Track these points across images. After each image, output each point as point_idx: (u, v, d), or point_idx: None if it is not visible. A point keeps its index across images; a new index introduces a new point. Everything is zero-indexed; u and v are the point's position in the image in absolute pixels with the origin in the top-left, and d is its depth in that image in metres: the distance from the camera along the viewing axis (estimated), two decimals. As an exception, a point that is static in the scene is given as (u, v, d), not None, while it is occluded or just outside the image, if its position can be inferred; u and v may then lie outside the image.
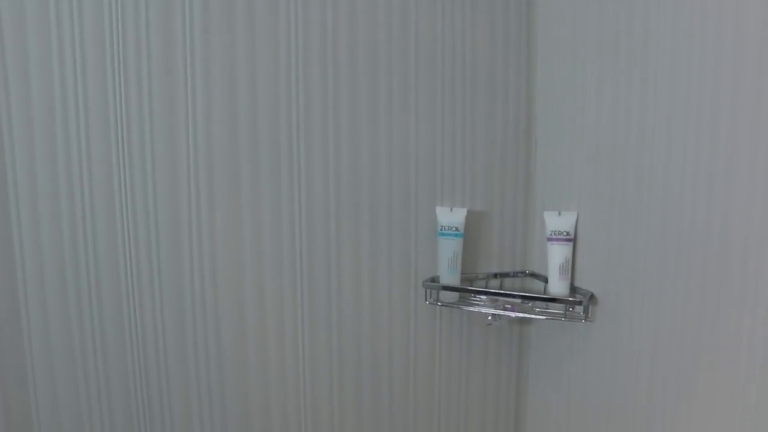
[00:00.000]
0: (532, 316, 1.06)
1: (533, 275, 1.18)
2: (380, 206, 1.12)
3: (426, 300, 1.14)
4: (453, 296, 1.12)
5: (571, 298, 1.01)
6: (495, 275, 1.17)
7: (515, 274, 1.19)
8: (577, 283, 1.05)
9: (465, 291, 1.09)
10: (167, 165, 1.05)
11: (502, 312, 1.07)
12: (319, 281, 1.11)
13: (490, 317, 1.09)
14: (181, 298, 1.08)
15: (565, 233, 1.04)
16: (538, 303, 1.07)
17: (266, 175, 1.07)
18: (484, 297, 1.09)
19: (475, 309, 1.10)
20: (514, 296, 1.04)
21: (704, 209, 0.77)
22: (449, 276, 1.12)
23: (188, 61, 1.04)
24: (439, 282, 1.13)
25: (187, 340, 1.09)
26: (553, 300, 1.02)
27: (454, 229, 1.11)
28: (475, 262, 1.17)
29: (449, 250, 1.11)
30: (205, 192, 1.06)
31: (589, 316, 1.01)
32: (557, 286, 1.05)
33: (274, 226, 1.09)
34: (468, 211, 1.13)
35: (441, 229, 1.12)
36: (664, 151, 0.84)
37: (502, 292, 1.05)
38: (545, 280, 1.13)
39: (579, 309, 1.01)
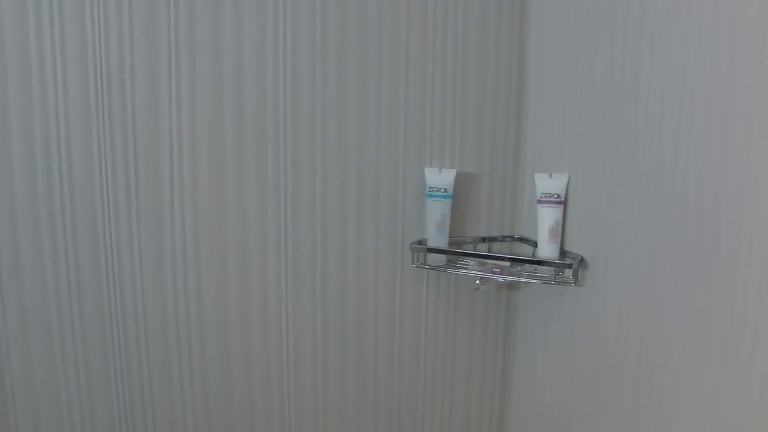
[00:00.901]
0: (521, 279, 1.04)
1: (522, 240, 1.15)
2: (368, 167, 1.08)
3: (413, 263, 1.11)
4: (440, 259, 1.10)
5: (560, 261, 0.99)
6: (483, 239, 1.15)
7: (504, 239, 1.16)
8: (566, 247, 1.03)
9: (453, 254, 1.07)
10: (149, 131, 1.01)
11: (490, 275, 1.05)
12: (305, 242, 1.08)
13: (477, 281, 1.07)
14: (162, 264, 1.05)
15: (555, 195, 1.02)
16: (526, 266, 1.05)
17: (251, 136, 1.03)
18: (471, 260, 1.06)
19: (463, 272, 1.08)
20: (502, 259, 1.02)
21: (697, 173, 0.75)
22: (437, 238, 1.09)
23: (172, 22, 0.99)
24: (426, 245, 1.10)
25: (168, 306, 1.06)
26: (542, 263, 1.00)
27: (442, 190, 1.08)
28: (464, 225, 1.15)
29: (437, 211, 1.08)
30: (188, 153, 1.02)
31: (579, 280, 0.99)
32: (547, 250, 1.03)
33: (259, 188, 1.05)
34: (457, 173, 1.10)
35: (429, 191, 1.09)
36: (658, 114, 0.81)
37: (491, 254, 1.03)
38: (534, 245, 1.10)
39: (568, 273, 0.99)
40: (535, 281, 1.03)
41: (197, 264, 1.06)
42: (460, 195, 1.13)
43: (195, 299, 1.07)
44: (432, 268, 1.10)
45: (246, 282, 1.08)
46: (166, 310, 1.06)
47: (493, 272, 1.05)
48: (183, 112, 1.01)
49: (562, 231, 1.03)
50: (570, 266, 0.96)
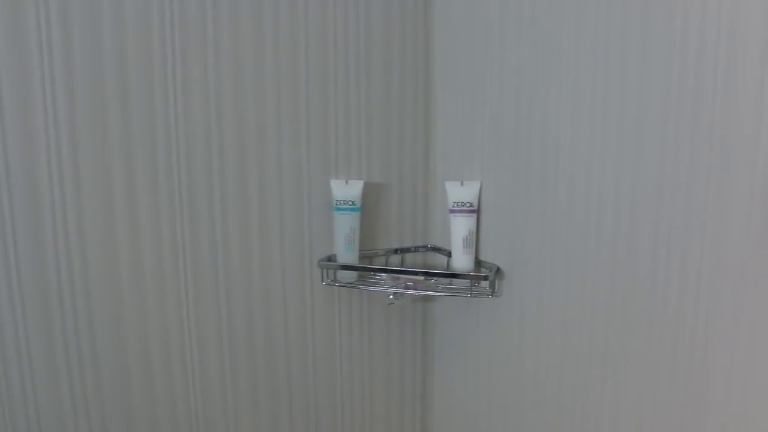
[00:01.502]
0: (436, 293, 1.00)
1: (436, 249, 1.11)
2: (270, 181, 1.00)
3: (322, 281, 1.04)
4: (351, 275, 1.04)
5: (476, 273, 0.96)
6: (395, 251, 1.10)
7: (416, 249, 1.12)
8: (482, 257, 1.00)
9: (364, 269, 1.01)
10: (21, 147, 0.87)
11: (403, 291, 0.99)
12: (204, 264, 0.98)
13: (391, 296, 1.02)
14: (47, 300, 0.91)
15: (468, 204, 0.98)
16: (441, 279, 1.00)
17: (139, 150, 0.92)
18: (384, 275, 1.01)
19: (376, 288, 1.02)
20: (416, 273, 0.97)
21: (613, 179, 0.73)
22: (346, 254, 1.03)
23: None
24: (335, 261, 1.04)
25: (56, 345, 0.93)
26: (457, 276, 0.96)
27: (350, 203, 1.02)
28: (374, 238, 1.09)
29: (345, 225, 1.02)
30: (69, 173, 0.89)
31: (496, 290, 0.96)
32: (461, 261, 0.99)
33: (150, 208, 0.94)
34: (365, 184, 1.04)
35: (336, 204, 1.02)
36: (570, 121, 0.79)
37: (403, 269, 0.98)
38: (448, 254, 1.06)
39: (485, 284, 0.95)
40: (450, 294, 0.99)
41: (87, 296, 0.93)
42: (369, 207, 1.07)
43: (87, 333, 0.94)
44: (343, 285, 1.03)
45: (143, 314, 0.96)
46: (54, 349, 0.92)
47: (407, 286, 1.00)
48: (61, 127, 0.88)
49: (476, 241, 1.00)
50: (486, 278, 0.93)
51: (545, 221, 0.85)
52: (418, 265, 1.13)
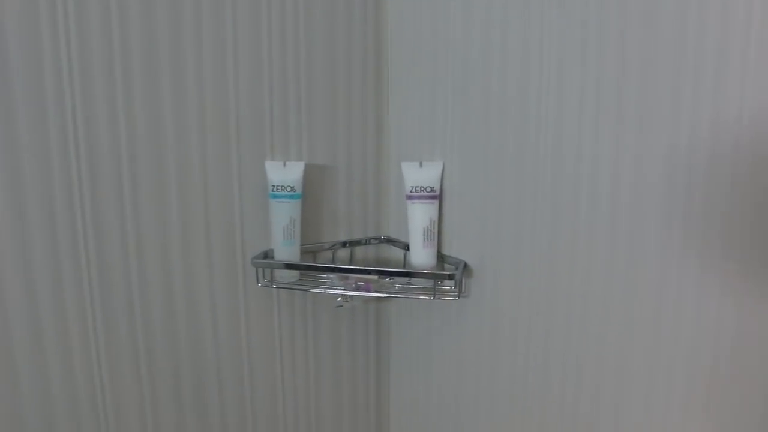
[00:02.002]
0: (392, 295, 0.85)
1: (390, 241, 0.96)
2: (191, 164, 0.82)
3: (258, 282, 0.87)
4: (292, 275, 0.88)
5: (439, 272, 0.81)
6: (344, 244, 0.94)
7: (368, 241, 0.96)
8: (445, 251, 0.86)
9: (307, 268, 0.85)
10: None
11: (354, 293, 0.84)
12: (113, 269, 0.80)
13: (339, 298, 0.86)
14: None
15: (428, 189, 0.83)
16: (398, 278, 0.85)
17: (25, 134, 0.73)
18: (331, 275, 0.85)
19: (322, 290, 0.86)
20: (368, 272, 0.82)
21: (607, 159, 0.59)
22: (286, 249, 0.86)
23: None
24: (273, 258, 0.87)
25: None
26: (416, 274, 0.81)
27: (288, 188, 0.85)
28: (319, 229, 0.93)
29: (284, 215, 0.86)
30: None
31: (463, 291, 0.81)
32: (421, 256, 0.84)
33: (42, 200, 0.75)
34: (306, 166, 0.88)
35: (272, 190, 0.86)
36: (555, 87, 0.65)
37: (354, 267, 0.82)
38: (405, 248, 0.92)
39: (450, 284, 0.81)
40: (409, 297, 0.84)
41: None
42: (311, 193, 0.91)
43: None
44: (282, 287, 0.87)
45: (36, 340, 0.77)
46: None
47: (358, 287, 0.84)
48: None
49: (438, 232, 0.85)
50: (451, 277, 0.78)
51: (523, 208, 0.71)
52: (370, 260, 0.98)
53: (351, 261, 0.96)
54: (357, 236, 0.96)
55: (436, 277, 0.80)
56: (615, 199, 0.60)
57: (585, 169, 0.63)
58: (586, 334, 0.65)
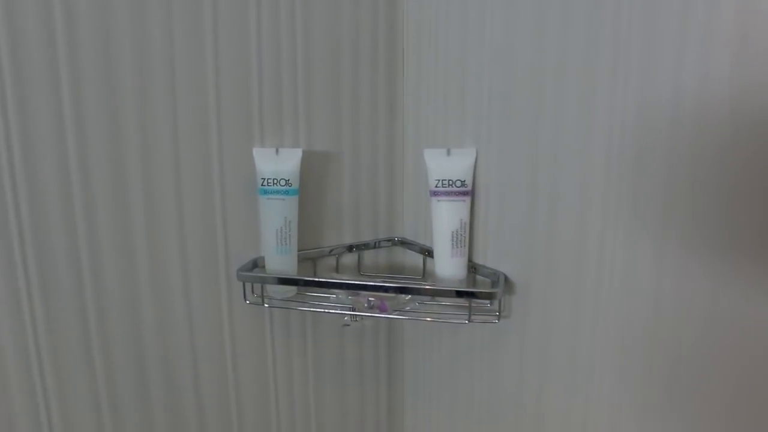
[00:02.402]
0: (415, 317, 0.68)
1: (405, 243, 0.80)
2: (159, 152, 0.65)
3: (245, 299, 0.71)
4: (288, 290, 0.71)
5: (479, 289, 0.65)
6: (350, 247, 0.78)
7: (378, 244, 0.80)
8: (477, 259, 0.69)
9: (306, 284, 0.68)
10: None
11: (364, 314, 0.68)
12: (63, 284, 0.63)
13: (347, 317, 0.70)
14: None
15: (458, 183, 0.66)
16: (421, 295, 0.68)
17: None
18: (339, 291, 0.68)
19: (323, 309, 0.70)
20: (385, 290, 0.65)
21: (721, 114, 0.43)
22: (279, 257, 0.70)
23: None
24: (264, 268, 0.71)
25: None
26: (447, 293, 0.65)
27: (283, 182, 0.68)
28: (320, 231, 0.76)
29: (277, 216, 0.69)
30: None
31: (503, 311, 0.65)
32: (449, 266, 0.68)
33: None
34: (304, 154, 0.71)
35: (263, 184, 0.69)
36: (639, 36, 0.47)
37: (366, 283, 0.65)
38: (425, 252, 0.75)
39: (485, 302, 0.65)
40: (436, 319, 0.67)
41: None
42: (310, 187, 0.74)
43: None
44: (276, 306, 0.71)
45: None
46: None
47: (370, 304, 0.68)
48: None
49: (470, 236, 0.69)
50: (492, 296, 0.62)
51: (590, 212, 0.55)
52: (381, 266, 0.81)
53: (359, 268, 0.79)
54: (366, 238, 0.79)
55: (473, 296, 0.63)
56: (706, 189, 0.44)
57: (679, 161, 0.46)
58: (661, 362, 0.49)
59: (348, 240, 0.78)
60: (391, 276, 0.80)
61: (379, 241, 0.80)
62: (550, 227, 0.59)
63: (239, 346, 0.74)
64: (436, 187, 0.67)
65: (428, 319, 0.67)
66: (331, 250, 0.77)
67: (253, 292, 0.71)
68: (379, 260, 0.81)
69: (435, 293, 0.63)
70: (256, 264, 0.72)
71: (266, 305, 0.70)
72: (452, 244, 0.67)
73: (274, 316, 0.76)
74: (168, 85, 0.64)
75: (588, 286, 0.55)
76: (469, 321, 0.63)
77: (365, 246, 0.79)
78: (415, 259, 0.79)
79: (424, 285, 0.67)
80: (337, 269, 0.78)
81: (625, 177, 0.51)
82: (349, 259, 0.79)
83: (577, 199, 0.55)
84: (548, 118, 0.57)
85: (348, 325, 0.72)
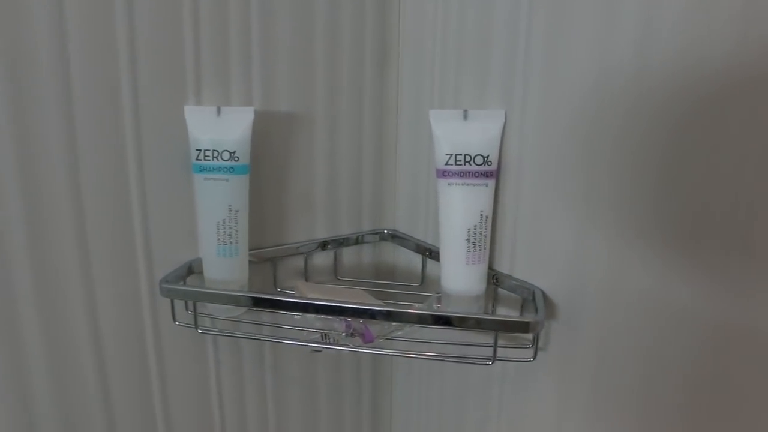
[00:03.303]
0: (415, 353, 0.48)
1: (396, 236, 0.60)
2: (40, 108, 0.43)
3: (174, 319, 0.50)
4: (235, 309, 0.50)
5: (509, 318, 0.46)
6: (323, 244, 0.57)
7: (361, 239, 0.59)
8: (501, 267, 0.49)
9: (258, 303, 0.47)
10: None
11: (340, 347, 0.47)
12: None
13: (318, 346, 0.50)
14: None
15: (479, 159, 0.46)
16: (422, 324, 0.48)
17: None
18: (308, 314, 0.48)
19: (282, 340, 0.50)
20: (371, 315, 0.44)
21: None
22: (222, 260, 0.49)
23: None
24: (202, 276, 0.50)
25: None
26: (468, 321, 0.44)
27: (226, 155, 0.48)
28: (281, 223, 0.56)
29: (219, 203, 0.48)
30: None
31: (541, 346, 0.46)
32: (462, 276, 0.48)
33: None
34: (258, 115, 0.50)
35: (198, 158, 0.48)
36: None
37: (345, 305, 0.44)
38: (426, 252, 0.56)
39: (521, 337, 0.45)
40: (439, 356, 0.47)
41: None
42: (267, 162, 0.53)
43: None
44: (209, 332, 0.50)
45: None
46: None
47: (351, 329, 0.48)
48: None
49: (492, 234, 0.49)
50: (531, 328, 0.42)
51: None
52: (365, 270, 0.61)
53: (335, 270, 0.59)
54: (345, 231, 0.59)
55: (504, 327, 0.43)
56: None
57: None
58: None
59: (321, 234, 0.58)
60: (379, 282, 0.60)
61: (363, 235, 0.60)
62: (608, 222, 0.39)
63: (171, 384, 0.54)
64: (446, 164, 0.47)
65: (429, 354, 0.47)
66: (299, 248, 0.57)
67: (187, 308, 0.51)
68: (362, 260, 0.61)
69: (445, 321, 0.43)
70: (192, 270, 0.52)
71: (200, 331, 0.49)
72: (468, 245, 0.47)
73: (219, 345, 0.55)
74: (53, 13, 0.42)
75: (653, 310, 0.36)
76: (493, 362, 0.43)
77: (344, 242, 0.59)
78: (410, 259, 0.59)
79: (427, 310, 0.46)
80: (305, 274, 0.57)
81: None
82: (322, 259, 0.58)
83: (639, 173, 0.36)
84: (619, 60, 0.37)
85: (319, 351, 0.53)
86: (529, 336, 0.45)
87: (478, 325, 0.42)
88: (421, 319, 0.42)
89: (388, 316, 0.43)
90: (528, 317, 0.41)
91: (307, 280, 0.57)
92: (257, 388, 0.58)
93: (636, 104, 0.37)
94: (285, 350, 0.58)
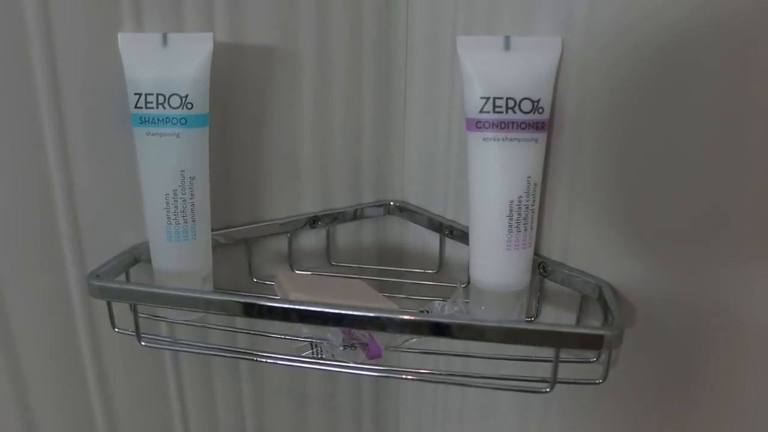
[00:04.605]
0: (440, 376, 0.35)
1: (406, 211, 0.47)
2: None
3: (113, 324, 0.37)
4: (194, 312, 0.38)
5: (578, 329, 0.33)
6: (313, 220, 0.44)
7: (361, 213, 0.47)
8: (550, 252, 0.37)
9: (208, 304, 0.34)
10: None
11: (336, 365, 0.35)
12: None
13: (312, 350, 0.37)
14: None
15: (526, 105, 0.33)
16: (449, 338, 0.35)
17: None
18: (300, 325, 0.35)
19: (255, 356, 0.38)
20: (380, 324, 0.31)
21: None
22: (174, 245, 0.36)
23: None
24: (151, 266, 0.38)
25: None
26: (519, 334, 0.31)
27: (176, 101, 0.34)
28: (256, 194, 0.43)
29: (168, 167, 0.35)
30: None
31: (611, 364, 0.33)
32: (500, 265, 0.35)
33: None
34: (221, 47, 0.36)
35: (139, 105, 0.34)
36: None
37: (343, 312, 0.31)
38: (447, 230, 0.43)
39: (586, 355, 0.33)
40: (475, 382, 0.35)
41: None
42: (234, 113, 0.40)
43: None
44: (151, 345, 0.38)
45: None
46: None
47: (347, 341, 0.35)
48: None
49: (540, 209, 0.36)
50: (603, 343, 0.29)
51: None
52: (366, 251, 0.48)
53: (328, 254, 0.46)
54: (340, 203, 0.46)
55: (567, 341, 0.30)
56: None
57: None
58: None
59: (309, 207, 0.45)
60: (383, 269, 0.47)
61: (363, 208, 0.47)
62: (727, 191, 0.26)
63: (119, 405, 0.41)
64: (481, 111, 0.33)
65: (456, 376, 0.35)
66: (281, 226, 0.44)
67: (132, 310, 0.38)
68: (362, 240, 0.48)
69: (479, 334, 0.30)
70: (138, 258, 0.39)
71: (143, 343, 0.36)
72: (510, 224, 0.34)
73: (180, 356, 0.43)
74: None
75: None
76: (550, 390, 0.31)
77: (339, 217, 0.46)
78: (423, 238, 0.47)
79: (461, 318, 0.33)
80: (290, 260, 0.45)
81: None
82: (311, 239, 0.46)
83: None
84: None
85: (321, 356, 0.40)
86: (596, 358, 0.33)
87: (536, 339, 0.29)
88: (453, 332, 0.30)
89: (407, 327, 0.30)
90: (606, 329, 0.28)
91: (291, 266, 0.45)
92: (232, 405, 0.46)
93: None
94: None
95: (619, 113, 0.31)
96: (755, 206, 0.26)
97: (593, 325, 0.34)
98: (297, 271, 0.45)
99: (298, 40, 0.40)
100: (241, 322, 0.42)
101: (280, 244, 0.44)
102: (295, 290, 0.34)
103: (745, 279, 0.27)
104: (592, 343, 0.29)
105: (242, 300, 0.32)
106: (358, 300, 0.35)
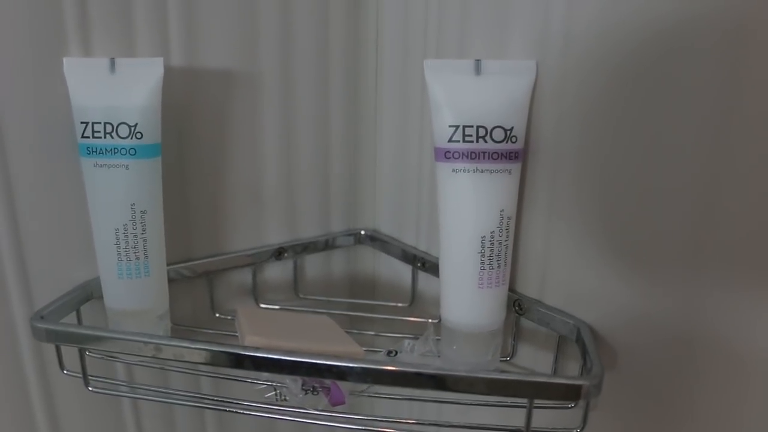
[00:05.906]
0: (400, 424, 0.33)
1: (377, 241, 0.44)
2: None
3: (61, 366, 0.35)
4: (147, 348, 0.35)
5: (554, 379, 0.31)
6: (279, 252, 0.42)
7: (332, 243, 0.44)
8: (526, 289, 0.35)
9: (159, 349, 0.32)
10: None
11: (288, 413, 0.33)
12: None
13: (274, 392, 0.35)
14: None
15: (499, 134, 0.31)
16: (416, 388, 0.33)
17: None
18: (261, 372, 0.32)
19: (214, 405, 0.35)
20: (341, 372, 0.29)
21: None
22: (127, 284, 0.34)
23: None
24: (104, 303, 0.35)
25: None
26: (499, 384, 0.28)
27: (124, 130, 0.32)
28: (218, 227, 0.40)
29: (117, 200, 0.33)
30: None
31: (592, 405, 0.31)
32: (471, 304, 0.33)
33: None
34: (172, 71, 0.34)
35: (86, 135, 0.32)
36: None
37: (297, 359, 0.29)
38: (419, 262, 0.41)
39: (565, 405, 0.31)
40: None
41: None
42: (191, 142, 0.38)
43: None
44: (101, 391, 0.35)
45: None
46: None
47: (307, 388, 0.33)
48: None
49: (514, 242, 0.34)
50: (582, 393, 0.27)
51: None
52: (336, 283, 0.46)
53: (295, 287, 0.44)
54: (307, 233, 0.43)
55: (541, 392, 0.28)
56: None
57: None
58: None
59: (274, 238, 0.42)
60: (354, 303, 0.45)
61: (332, 238, 0.44)
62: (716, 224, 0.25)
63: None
64: (450, 140, 0.31)
65: (424, 422, 0.32)
66: (245, 257, 0.41)
67: (82, 356, 0.35)
68: (332, 271, 0.46)
69: (446, 384, 0.28)
70: (91, 295, 0.36)
71: (89, 388, 0.34)
72: (482, 261, 0.32)
73: (135, 401, 0.40)
74: None
75: None
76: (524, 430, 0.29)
77: (307, 247, 0.43)
78: (395, 269, 0.44)
79: (423, 369, 0.31)
80: (254, 293, 0.42)
81: None
82: (277, 271, 0.43)
83: None
84: None
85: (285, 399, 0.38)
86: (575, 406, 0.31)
87: (513, 391, 0.27)
88: (417, 382, 0.28)
89: (368, 376, 0.28)
90: (584, 379, 0.26)
91: (257, 300, 0.42)
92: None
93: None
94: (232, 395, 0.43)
95: (599, 140, 0.29)
96: (742, 231, 0.24)
97: (569, 375, 0.32)
98: (262, 305, 0.42)
99: (259, 62, 0.38)
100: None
101: (244, 277, 0.42)
102: (252, 333, 0.32)
103: (736, 309, 0.26)
104: (568, 394, 0.27)
105: (193, 346, 0.30)
106: (321, 342, 0.33)
